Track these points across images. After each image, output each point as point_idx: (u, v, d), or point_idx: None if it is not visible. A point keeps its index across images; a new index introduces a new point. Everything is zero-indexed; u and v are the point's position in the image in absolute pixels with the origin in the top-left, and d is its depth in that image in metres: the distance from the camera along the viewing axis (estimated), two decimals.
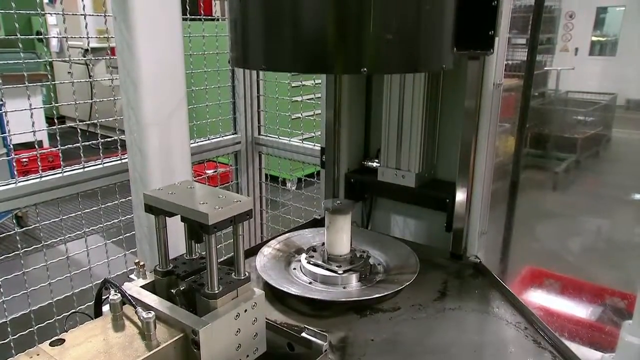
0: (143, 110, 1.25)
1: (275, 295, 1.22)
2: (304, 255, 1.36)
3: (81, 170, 1.54)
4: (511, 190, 2.39)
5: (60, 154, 1.52)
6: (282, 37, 1.00)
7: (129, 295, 0.88)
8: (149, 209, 0.92)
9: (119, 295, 0.87)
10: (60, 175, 1.51)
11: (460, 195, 1.41)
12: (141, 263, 0.97)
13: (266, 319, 1.04)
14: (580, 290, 2.19)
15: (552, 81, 6.15)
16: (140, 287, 0.95)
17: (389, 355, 1.05)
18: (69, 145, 1.58)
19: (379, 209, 1.75)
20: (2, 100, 1.52)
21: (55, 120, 1.65)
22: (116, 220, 1.71)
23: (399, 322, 1.16)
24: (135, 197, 1.43)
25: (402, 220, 1.69)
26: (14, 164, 2.92)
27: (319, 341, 1.02)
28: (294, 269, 1.35)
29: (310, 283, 1.27)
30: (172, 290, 0.94)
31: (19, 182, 1.43)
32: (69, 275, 1.62)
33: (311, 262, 1.32)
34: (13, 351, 1.51)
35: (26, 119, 1.51)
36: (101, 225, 1.66)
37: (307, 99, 2.11)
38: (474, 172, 1.39)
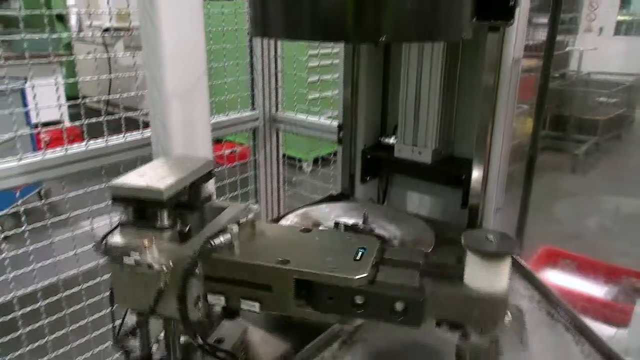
0: (166, 84, 1.28)
1: None
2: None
3: (104, 144, 1.58)
4: (528, 171, 2.37)
5: (82, 130, 1.56)
6: (301, 6, 1.01)
7: None
8: None
9: None
10: (84, 149, 1.55)
11: (477, 171, 1.42)
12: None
13: None
14: (596, 270, 2.19)
15: (574, 62, 6.01)
16: None
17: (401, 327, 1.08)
18: (92, 119, 1.62)
19: (395, 185, 1.76)
20: (25, 79, 1.55)
21: (80, 99, 1.69)
22: None
23: None
24: None
25: (418, 196, 1.71)
26: (37, 142, 2.99)
27: None
28: None
29: None
30: None
31: (46, 154, 1.48)
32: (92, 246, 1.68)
33: None
34: (44, 315, 1.59)
35: (47, 99, 1.55)
36: None
37: (325, 79, 2.12)
38: (491, 147, 1.39)
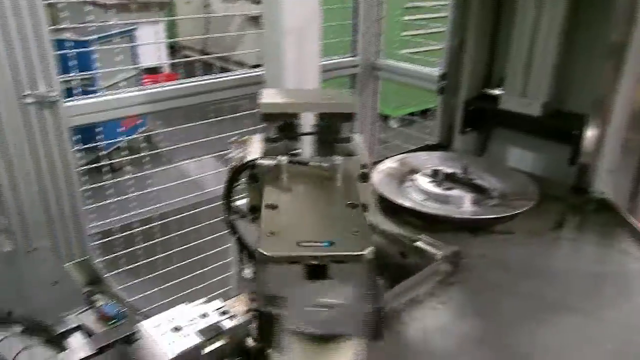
0: (281, 22, 1.31)
1: (388, 209, 1.27)
2: (418, 174, 1.39)
3: (216, 80, 1.67)
4: None
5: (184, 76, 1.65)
6: None
7: None
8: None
9: None
10: (197, 83, 1.66)
11: (592, 128, 1.33)
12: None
13: (380, 228, 1.08)
14: None
15: None
16: None
17: (500, 271, 1.08)
18: (194, 57, 1.71)
19: (496, 138, 1.70)
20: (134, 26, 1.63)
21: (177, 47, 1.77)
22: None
23: (512, 245, 1.17)
24: None
25: (521, 151, 1.64)
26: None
27: (433, 250, 1.07)
28: (408, 186, 1.39)
29: (424, 200, 1.31)
30: None
31: (164, 86, 1.60)
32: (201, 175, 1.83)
33: (427, 182, 1.35)
34: (158, 234, 1.77)
35: (151, 47, 1.66)
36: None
37: (429, 32, 2.06)
38: (609, 103, 1.30)
